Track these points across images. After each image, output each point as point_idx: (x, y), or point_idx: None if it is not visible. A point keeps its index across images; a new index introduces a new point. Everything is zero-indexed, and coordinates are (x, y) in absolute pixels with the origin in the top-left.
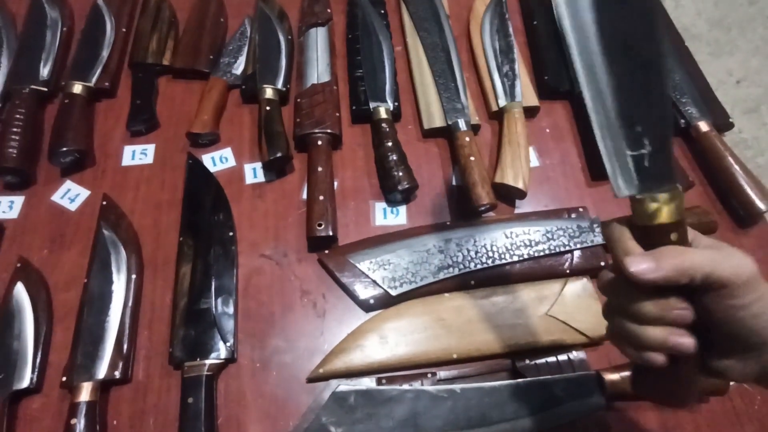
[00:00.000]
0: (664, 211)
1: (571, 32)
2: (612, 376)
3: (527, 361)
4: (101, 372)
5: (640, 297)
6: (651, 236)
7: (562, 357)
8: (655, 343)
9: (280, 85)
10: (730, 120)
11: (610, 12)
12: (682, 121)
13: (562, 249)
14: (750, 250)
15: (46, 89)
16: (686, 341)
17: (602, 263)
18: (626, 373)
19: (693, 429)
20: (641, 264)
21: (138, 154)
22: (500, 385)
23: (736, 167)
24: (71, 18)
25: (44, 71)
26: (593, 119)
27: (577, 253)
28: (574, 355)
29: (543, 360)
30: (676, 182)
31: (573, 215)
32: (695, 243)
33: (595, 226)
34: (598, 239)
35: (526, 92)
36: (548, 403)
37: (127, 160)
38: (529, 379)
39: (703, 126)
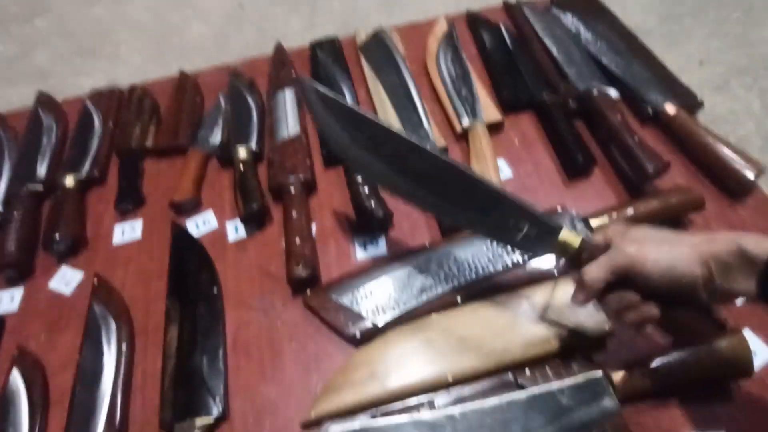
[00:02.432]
0: (568, 244)
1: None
2: (622, 375)
3: (528, 373)
4: None
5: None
6: (575, 261)
7: (565, 362)
8: (636, 320)
9: (253, 144)
10: (699, 99)
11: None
12: (649, 108)
13: None
14: (749, 221)
15: (42, 187)
16: (649, 310)
17: None
18: (638, 369)
19: (728, 419)
20: (590, 274)
21: (127, 231)
22: (501, 402)
23: (712, 141)
24: (65, 121)
25: (41, 171)
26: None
27: None
28: (577, 359)
29: (545, 368)
30: (562, 226)
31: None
32: (615, 243)
33: (576, 222)
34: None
35: (488, 110)
36: (556, 414)
37: (117, 238)
38: (530, 391)
39: (670, 108)
